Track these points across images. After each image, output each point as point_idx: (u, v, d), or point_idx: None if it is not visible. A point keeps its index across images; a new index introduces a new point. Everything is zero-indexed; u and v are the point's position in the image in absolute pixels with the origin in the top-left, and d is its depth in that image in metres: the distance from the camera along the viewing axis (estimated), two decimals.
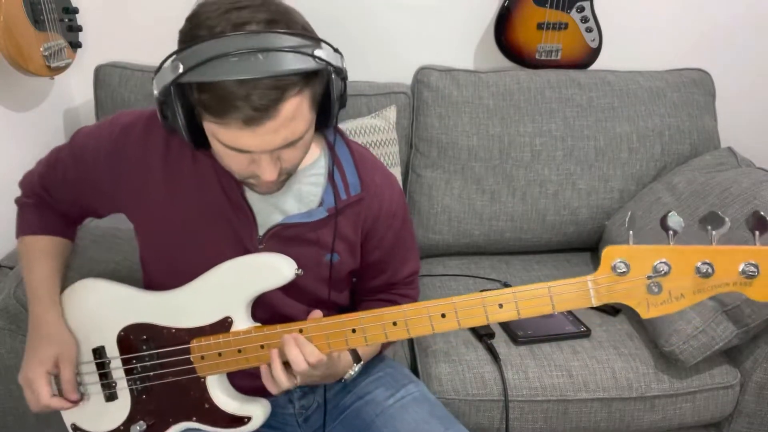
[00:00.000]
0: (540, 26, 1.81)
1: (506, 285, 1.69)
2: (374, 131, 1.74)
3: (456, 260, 1.84)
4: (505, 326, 1.49)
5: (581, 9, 1.80)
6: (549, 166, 1.79)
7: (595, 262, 1.83)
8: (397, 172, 1.78)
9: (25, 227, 1.14)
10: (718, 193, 1.50)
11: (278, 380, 0.94)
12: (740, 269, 0.80)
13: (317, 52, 0.82)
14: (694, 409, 1.42)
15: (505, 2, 1.81)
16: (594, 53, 1.87)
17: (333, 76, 0.86)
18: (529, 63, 1.88)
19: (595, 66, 1.89)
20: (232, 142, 0.84)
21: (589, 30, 1.83)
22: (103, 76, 1.79)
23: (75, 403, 1.05)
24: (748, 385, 1.42)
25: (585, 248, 1.89)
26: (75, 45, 1.70)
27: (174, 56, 0.81)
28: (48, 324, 1.06)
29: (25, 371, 1.04)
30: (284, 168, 0.91)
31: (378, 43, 1.92)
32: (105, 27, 1.87)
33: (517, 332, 1.46)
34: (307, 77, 0.83)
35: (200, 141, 0.89)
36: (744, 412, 1.45)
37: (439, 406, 1.11)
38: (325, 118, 0.91)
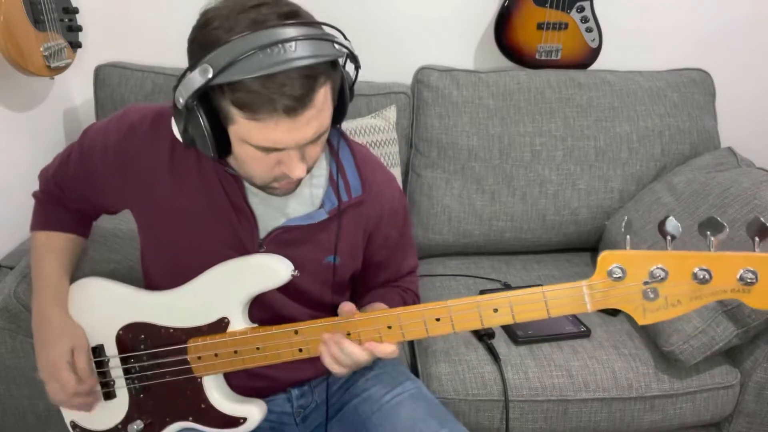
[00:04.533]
0: (540, 26, 1.81)
1: (506, 285, 1.69)
2: (374, 131, 1.73)
3: (456, 260, 1.84)
4: (505, 326, 1.49)
5: (581, 9, 1.80)
6: (549, 166, 1.79)
7: (595, 262, 1.82)
8: (397, 172, 1.77)
9: (37, 222, 1.15)
10: (718, 193, 1.50)
11: (353, 354, 0.93)
12: (738, 276, 0.78)
13: (337, 42, 0.84)
14: (694, 409, 1.42)
15: (505, 2, 1.81)
16: (594, 53, 1.87)
17: (351, 63, 0.89)
18: (529, 63, 1.88)
19: (595, 66, 1.89)
20: (266, 141, 0.83)
21: (589, 30, 1.83)
22: (103, 76, 1.79)
23: (93, 386, 1.05)
24: (748, 385, 1.42)
25: (585, 248, 1.89)
26: (75, 45, 1.71)
27: (199, 62, 0.80)
28: (54, 318, 1.06)
29: (47, 365, 1.04)
30: (308, 165, 0.91)
31: (378, 43, 1.92)
32: (105, 27, 1.87)
33: (517, 332, 1.46)
34: (332, 65, 0.84)
35: (221, 151, 0.88)
36: (744, 412, 1.45)
37: (436, 404, 1.11)
38: (338, 112, 0.92)
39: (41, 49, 1.55)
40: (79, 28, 1.71)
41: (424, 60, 1.91)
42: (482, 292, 1.63)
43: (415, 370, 1.45)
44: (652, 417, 1.41)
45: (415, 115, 1.84)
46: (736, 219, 1.41)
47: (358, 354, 0.93)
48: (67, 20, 1.66)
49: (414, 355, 1.51)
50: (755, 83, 2.04)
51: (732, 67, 2.00)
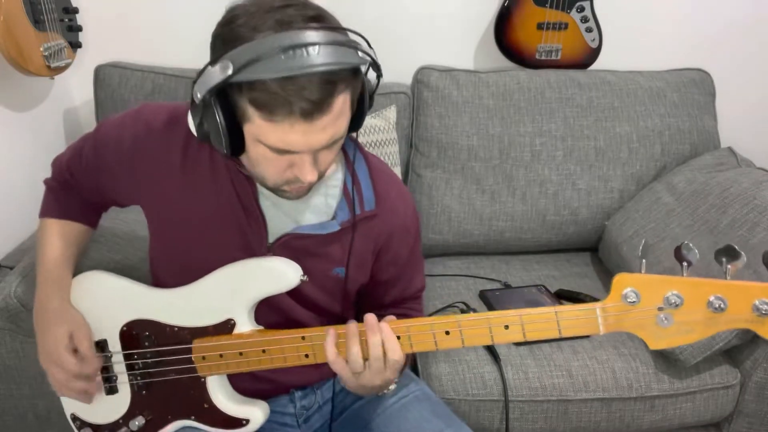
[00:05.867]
0: (540, 26, 1.82)
1: (506, 285, 1.69)
2: (374, 131, 1.74)
3: (456, 260, 1.84)
4: None
5: (581, 9, 1.80)
6: (549, 166, 1.79)
7: (595, 262, 1.83)
8: (397, 172, 1.78)
9: (46, 209, 1.14)
10: (718, 193, 1.50)
11: (328, 352, 0.92)
12: (753, 306, 0.77)
13: (360, 50, 0.84)
14: (694, 409, 1.42)
15: (505, 2, 1.81)
16: (594, 53, 1.87)
17: (373, 73, 0.88)
18: (529, 63, 1.88)
19: (595, 66, 1.90)
20: (280, 143, 0.82)
21: (589, 30, 1.83)
22: (103, 76, 1.79)
23: (96, 369, 1.04)
24: (748, 385, 1.42)
25: (585, 248, 1.89)
26: (75, 45, 1.70)
27: (220, 58, 0.79)
28: (53, 304, 1.06)
29: (46, 350, 1.03)
30: (320, 171, 0.90)
31: (378, 43, 1.90)
32: (105, 27, 1.87)
33: None
34: (354, 73, 0.84)
35: (235, 149, 0.87)
36: (744, 412, 1.45)
37: (441, 405, 1.11)
38: (356, 119, 0.91)
39: (41, 49, 1.55)
40: (79, 28, 1.71)
41: (424, 60, 1.91)
42: (482, 293, 1.63)
43: (415, 371, 1.45)
44: (652, 417, 1.41)
45: (415, 115, 1.84)
46: (736, 219, 1.41)
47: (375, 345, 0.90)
48: (67, 20, 1.66)
49: (414, 355, 1.51)
50: (755, 83, 2.04)
51: (732, 67, 2.00)
